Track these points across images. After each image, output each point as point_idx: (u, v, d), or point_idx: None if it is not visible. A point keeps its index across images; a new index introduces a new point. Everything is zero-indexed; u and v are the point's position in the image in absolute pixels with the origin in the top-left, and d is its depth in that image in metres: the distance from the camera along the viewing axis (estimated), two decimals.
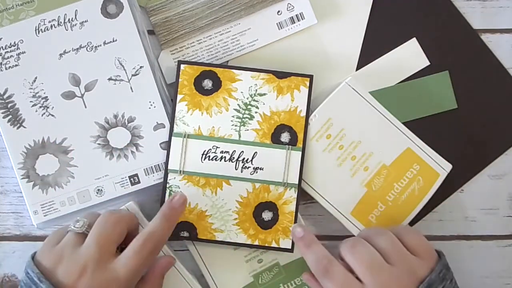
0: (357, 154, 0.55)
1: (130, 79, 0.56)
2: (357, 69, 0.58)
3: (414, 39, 0.59)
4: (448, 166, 0.56)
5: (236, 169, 0.55)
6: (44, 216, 0.55)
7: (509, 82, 0.59)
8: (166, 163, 0.55)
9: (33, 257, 0.49)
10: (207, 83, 0.55)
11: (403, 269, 0.48)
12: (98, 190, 0.55)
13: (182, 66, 0.55)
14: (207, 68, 0.55)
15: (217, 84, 0.55)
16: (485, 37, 0.59)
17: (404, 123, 0.56)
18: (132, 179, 0.55)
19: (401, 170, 0.55)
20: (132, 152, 0.56)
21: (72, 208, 0.55)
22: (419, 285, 0.47)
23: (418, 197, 0.55)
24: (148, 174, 0.56)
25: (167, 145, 0.55)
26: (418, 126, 0.57)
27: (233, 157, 0.55)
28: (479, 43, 0.59)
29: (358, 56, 0.58)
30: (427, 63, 0.59)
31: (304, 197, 0.56)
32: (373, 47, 0.58)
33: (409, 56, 0.58)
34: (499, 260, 0.58)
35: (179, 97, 0.55)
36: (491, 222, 0.59)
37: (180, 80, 0.55)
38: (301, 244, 0.52)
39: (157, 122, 0.56)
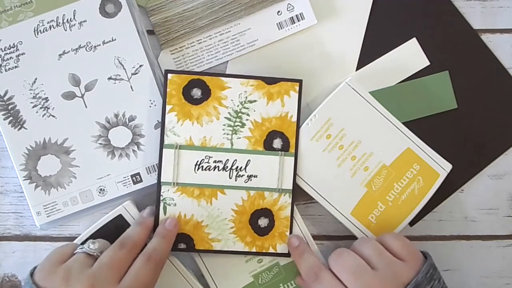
0: (357, 154, 0.55)
1: (130, 78, 0.56)
2: (357, 69, 0.58)
3: (414, 39, 0.59)
4: (448, 166, 0.56)
5: (230, 178, 0.54)
6: (47, 217, 0.55)
7: (509, 82, 0.59)
8: (159, 175, 0.54)
9: (32, 273, 0.49)
10: (196, 92, 0.54)
11: (387, 273, 0.48)
12: (101, 189, 0.55)
13: (170, 75, 0.54)
14: (195, 77, 0.54)
15: (207, 93, 0.54)
16: (485, 37, 0.59)
17: (404, 123, 0.56)
18: (134, 178, 0.56)
19: (401, 170, 0.55)
20: (133, 151, 0.56)
21: (75, 208, 0.55)
22: (405, 287, 0.48)
23: (418, 197, 0.55)
24: (150, 173, 0.56)
25: (158, 158, 0.54)
26: (418, 126, 0.57)
27: (227, 166, 0.54)
28: (479, 43, 0.59)
29: (358, 56, 0.58)
30: (427, 63, 0.58)
31: (304, 197, 0.56)
32: (373, 47, 0.58)
33: (409, 56, 0.58)
34: (499, 260, 0.59)
35: (168, 107, 0.54)
36: (491, 222, 0.59)
37: (168, 89, 0.54)
38: (295, 253, 0.54)
39: (157, 121, 0.56)
